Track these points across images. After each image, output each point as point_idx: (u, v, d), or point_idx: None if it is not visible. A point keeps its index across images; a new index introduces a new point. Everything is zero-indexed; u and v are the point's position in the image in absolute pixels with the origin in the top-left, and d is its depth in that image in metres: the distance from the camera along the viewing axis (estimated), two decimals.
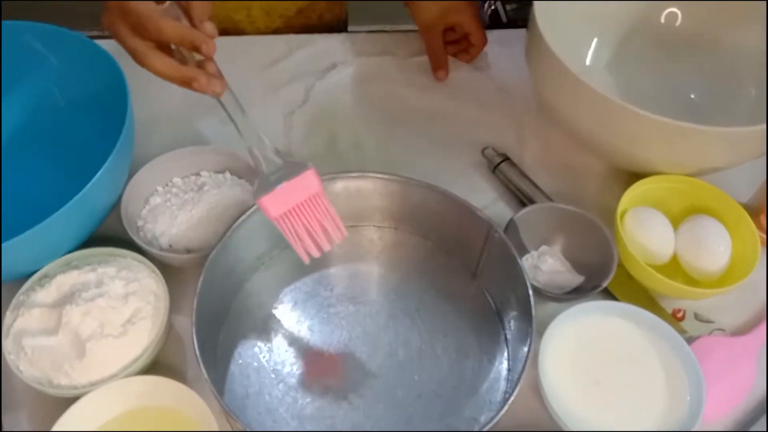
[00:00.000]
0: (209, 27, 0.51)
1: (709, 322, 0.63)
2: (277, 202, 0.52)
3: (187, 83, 0.52)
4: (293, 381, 0.58)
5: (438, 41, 0.80)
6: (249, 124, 0.53)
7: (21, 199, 0.66)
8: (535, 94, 0.78)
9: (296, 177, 0.52)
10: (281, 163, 0.53)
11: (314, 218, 0.53)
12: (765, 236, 0.66)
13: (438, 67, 0.80)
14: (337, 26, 0.92)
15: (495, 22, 0.95)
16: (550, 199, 0.68)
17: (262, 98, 0.79)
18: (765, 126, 0.59)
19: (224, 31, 0.85)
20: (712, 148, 0.63)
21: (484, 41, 0.81)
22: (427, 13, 0.80)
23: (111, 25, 0.53)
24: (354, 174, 0.62)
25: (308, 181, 0.52)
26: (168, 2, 0.52)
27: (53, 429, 0.51)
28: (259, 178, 0.53)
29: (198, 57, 0.53)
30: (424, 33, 0.81)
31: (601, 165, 0.74)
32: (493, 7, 0.92)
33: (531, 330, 0.53)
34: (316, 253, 0.55)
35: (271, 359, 0.59)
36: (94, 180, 0.54)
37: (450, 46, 0.82)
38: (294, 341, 0.60)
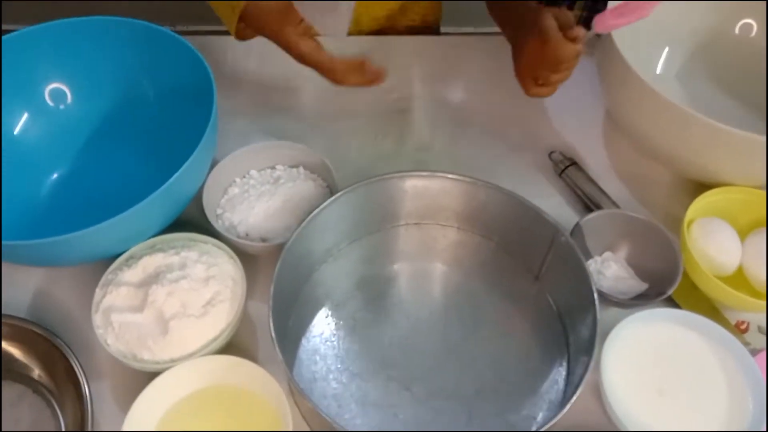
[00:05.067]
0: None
1: None
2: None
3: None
4: (357, 369, 0.60)
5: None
6: None
7: (112, 185, 0.70)
8: (605, 100, 0.78)
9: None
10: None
11: None
12: None
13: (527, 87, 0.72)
14: (435, 28, 0.95)
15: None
16: (616, 205, 0.68)
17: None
18: None
19: None
20: None
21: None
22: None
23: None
24: (423, 173, 0.64)
25: None
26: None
27: (136, 401, 0.54)
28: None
29: None
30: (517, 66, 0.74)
31: (668, 173, 0.73)
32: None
33: (594, 334, 0.54)
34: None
35: (337, 347, 0.61)
36: (181, 170, 0.57)
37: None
38: (358, 332, 0.62)
